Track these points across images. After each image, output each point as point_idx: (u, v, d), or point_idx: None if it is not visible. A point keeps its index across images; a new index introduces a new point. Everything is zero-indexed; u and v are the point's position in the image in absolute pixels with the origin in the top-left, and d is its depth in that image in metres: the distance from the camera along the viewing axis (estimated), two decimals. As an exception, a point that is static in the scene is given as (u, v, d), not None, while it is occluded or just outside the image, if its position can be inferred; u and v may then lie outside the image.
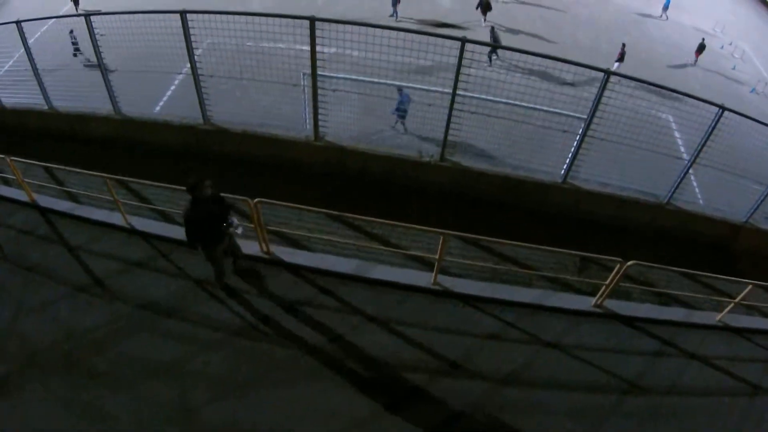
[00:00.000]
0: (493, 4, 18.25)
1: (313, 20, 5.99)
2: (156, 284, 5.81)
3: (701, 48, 17.95)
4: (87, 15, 7.43)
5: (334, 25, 6.37)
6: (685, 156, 13.45)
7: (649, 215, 7.32)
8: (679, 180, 7.14)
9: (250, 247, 5.48)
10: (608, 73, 6.24)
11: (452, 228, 6.83)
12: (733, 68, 18.60)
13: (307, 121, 7.46)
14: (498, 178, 6.57)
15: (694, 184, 12.84)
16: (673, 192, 7.21)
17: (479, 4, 17.50)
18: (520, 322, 5.09)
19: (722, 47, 19.79)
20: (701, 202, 10.79)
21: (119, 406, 4.63)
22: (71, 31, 8.46)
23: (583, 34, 18.10)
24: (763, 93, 17.40)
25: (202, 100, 7.28)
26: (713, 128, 6.80)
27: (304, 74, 10.11)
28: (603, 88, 6.30)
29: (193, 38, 7.02)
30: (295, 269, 5.46)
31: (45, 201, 6.85)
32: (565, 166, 6.78)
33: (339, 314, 5.18)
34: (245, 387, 4.90)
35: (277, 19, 7.03)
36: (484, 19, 17.52)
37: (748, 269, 7.98)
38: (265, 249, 5.49)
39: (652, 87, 7.22)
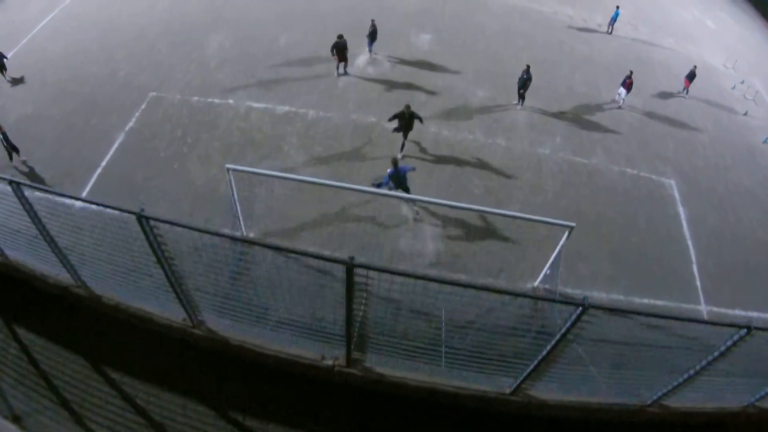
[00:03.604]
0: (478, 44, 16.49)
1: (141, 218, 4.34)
2: None
3: (692, 76, 16.18)
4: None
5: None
6: (691, 249, 11.74)
7: (626, 416, 5.74)
8: (669, 388, 5.42)
9: None
10: (586, 306, 4.22)
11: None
12: (745, 114, 16.63)
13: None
14: (423, 389, 5.06)
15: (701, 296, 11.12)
16: (660, 397, 5.55)
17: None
18: None
19: (734, 87, 17.77)
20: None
21: None
22: None
23: (581, 76, 16.21)
24: (777, 143, 15.46)
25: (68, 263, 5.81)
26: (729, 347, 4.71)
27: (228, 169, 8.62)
28: (575, 322, 4.30)
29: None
30: None
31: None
32: (516, 379, 5.11)
33: None
34: None
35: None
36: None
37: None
38: None
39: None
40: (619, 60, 17.22)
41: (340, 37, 13.55)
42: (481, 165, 12.23)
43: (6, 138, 10.51)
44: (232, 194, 9.22)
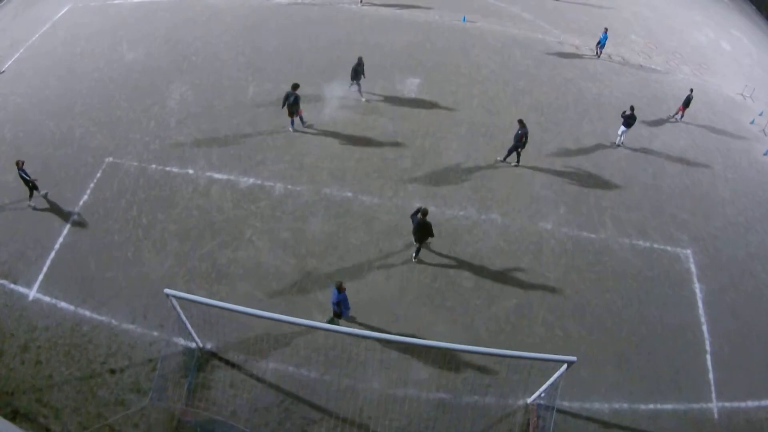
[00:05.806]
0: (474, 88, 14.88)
1: None
2: None
3: (687, 102, 14.77)
4: None
5: None
6: (706, 335, 10.50)
7: None
8: None
9: None
10: None
11: None
12: (766, 154, 14.99)
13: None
14: None
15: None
16: None
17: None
18: None
19: (753, 122, 16.09)
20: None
21: None
22: None
23: (588, 124, 14.61)
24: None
25: None
26: None
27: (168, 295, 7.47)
28: None
29: None
30: None
31: None
32: None
33: None
34: None
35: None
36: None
37: None
38: None
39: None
40: (632, 99, 15.51)
41: (295, 87, 11.96)
42: (473, 250, 10.89)
43: (26, 174, 10.63)
44: (179, 315, 8.22)
